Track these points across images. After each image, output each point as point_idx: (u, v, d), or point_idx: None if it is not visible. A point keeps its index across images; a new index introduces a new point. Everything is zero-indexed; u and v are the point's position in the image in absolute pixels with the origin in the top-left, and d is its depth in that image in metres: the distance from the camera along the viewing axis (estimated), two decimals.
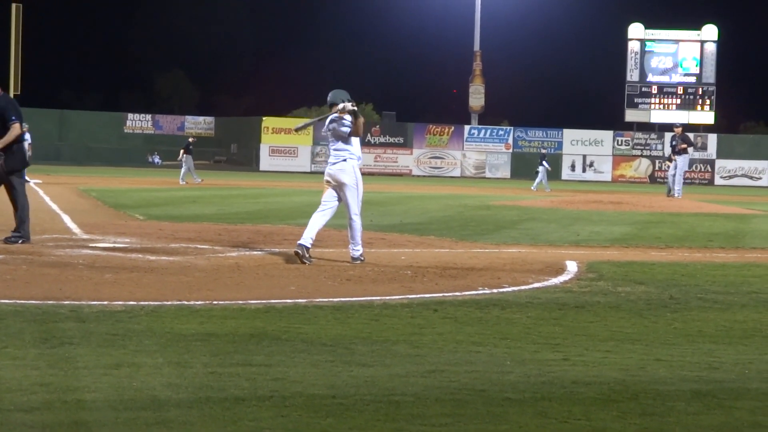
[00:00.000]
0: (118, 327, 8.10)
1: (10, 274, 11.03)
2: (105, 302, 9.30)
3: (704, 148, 71.96)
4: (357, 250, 13.18)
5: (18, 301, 9.17)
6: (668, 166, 36.57)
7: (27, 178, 37.21)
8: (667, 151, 42.80)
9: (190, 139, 47.66)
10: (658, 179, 66.96)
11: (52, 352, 7.09)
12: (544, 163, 47.84)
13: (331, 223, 13.83)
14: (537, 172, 47.92)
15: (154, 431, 5.32)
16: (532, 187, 46.86)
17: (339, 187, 13.31)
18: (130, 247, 14.28)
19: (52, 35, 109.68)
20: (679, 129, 36.86)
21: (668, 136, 55.63)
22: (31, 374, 6.41)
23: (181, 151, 45.17)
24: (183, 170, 44.15)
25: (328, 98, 13.41)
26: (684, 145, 35.32)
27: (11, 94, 63.04)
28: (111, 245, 14.52)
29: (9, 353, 7.02)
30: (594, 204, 29.88)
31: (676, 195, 34.20)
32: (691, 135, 70.61)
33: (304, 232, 13.02)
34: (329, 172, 13.37)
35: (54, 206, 23.88)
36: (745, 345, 8.32)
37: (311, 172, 65.66)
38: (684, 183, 35.89)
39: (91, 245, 14.36)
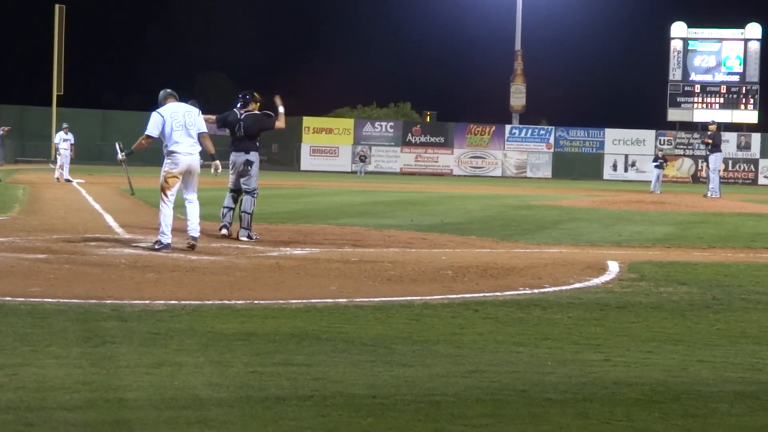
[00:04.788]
0: (159, 326, 8.14)
1: (54, 274, 11.12)
2: (147, 301, 9.36)
3: (748, 147, 71.43)
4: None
5: (61, 300, 9.24)
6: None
7: (70, 177, 37.69)
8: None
9: None
10: (701, 179, 66.45)
11: (95, 351, 7.14)
12: (661, 164, 46.25)
13: (372, 223, 13.83)
14: (658, 172, 44.96)
15: (195, 430, 5.34)
16: (657, 191, 42.19)
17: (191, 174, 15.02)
18: (172, 247, 14.34)
19: (94, 37, 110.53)
20: (714, 127, 36.57)
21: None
22: (73, 373, 6.45)
23: None
24: None
25: (160, 97, 15.17)
26: (709, 141, 34.98)
27: (55, 94, 63.55)
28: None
29: (52, 352, 7.08)
30: (636, 204, 29.71)
31: (709, 194, 33.94)
32: (733, 135, 70.29)
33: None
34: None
35: (96, 206, 24.03)
36: None
37: (352, 172, 65.65)
38: (726, 182, 35.62)
39: (133, 245, 14.46)
